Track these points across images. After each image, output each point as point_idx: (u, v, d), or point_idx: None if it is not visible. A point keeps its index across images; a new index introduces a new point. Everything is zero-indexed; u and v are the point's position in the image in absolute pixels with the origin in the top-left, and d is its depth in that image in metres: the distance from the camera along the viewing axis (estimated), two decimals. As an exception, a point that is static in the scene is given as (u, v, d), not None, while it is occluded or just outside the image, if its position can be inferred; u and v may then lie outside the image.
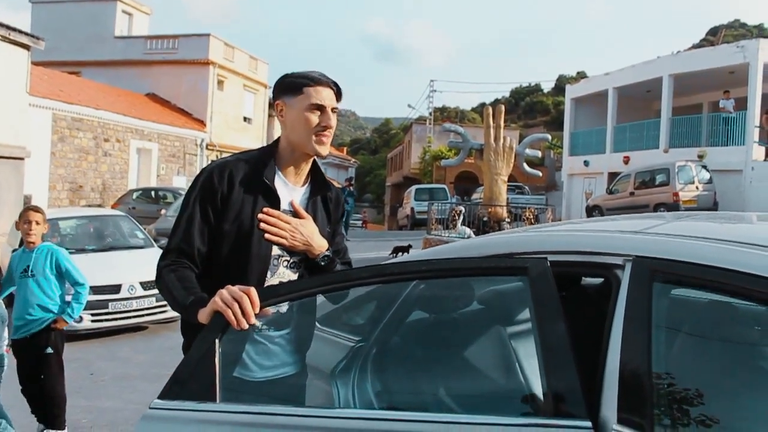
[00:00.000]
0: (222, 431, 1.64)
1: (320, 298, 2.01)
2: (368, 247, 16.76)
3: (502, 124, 14.77)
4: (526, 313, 1.65)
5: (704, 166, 17.48)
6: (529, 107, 74.58)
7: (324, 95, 2.05)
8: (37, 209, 4.54)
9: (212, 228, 2.00)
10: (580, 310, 1.87)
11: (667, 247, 1.57)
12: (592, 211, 19.70)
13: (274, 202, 2.04)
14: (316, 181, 2.19)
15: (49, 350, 4.43)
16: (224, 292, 1.72)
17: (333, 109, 2.07)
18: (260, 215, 2.00)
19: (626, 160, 22.36)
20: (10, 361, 4.41)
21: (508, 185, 15.57)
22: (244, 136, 30.12)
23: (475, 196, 25.88)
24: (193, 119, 27.53)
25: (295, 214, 2.08)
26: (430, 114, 45.64)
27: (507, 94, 76.17)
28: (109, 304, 7.96)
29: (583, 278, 2.41)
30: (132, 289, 8.10)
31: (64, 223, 9.52)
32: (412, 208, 27.78)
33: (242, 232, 1.99)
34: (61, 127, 19.85)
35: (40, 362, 4.43)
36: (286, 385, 2.01)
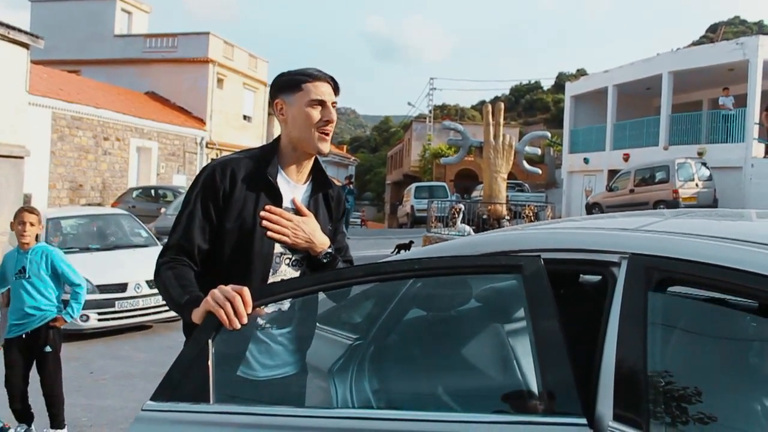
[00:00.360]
0: None
1: (321, 296, 2.01)
2: (368, 245, 16.77)
3: (501, 121, 14.77)
4: (521, 311, 1.65)
5: (704, 164, 17.47)
6: (529, 105, 74.62)
7: (323, 90, 2.05)
8: (31, 210, 4.51)
9: (213, 226, 2.00)
10: (578, 308, 1.87)
11: (663, 245, 1.57)
12: (592, 208, 19.72)
13: (277, 199, 2.04)
14: (318, 179, 2.18)
15: (48, 349, 4.44)
16: (216, 291, 1.71)
17: (333, 104, 2.08)
18: (262, 213, 2.00)
19: (626, 158, 22.36)
20: None
21: (507, 183, 15.57)
22: (244, 134, 30.13)
23: (475, 193, 25.88)
24: (192, 118, 27.54)
25: (297, 211, 2.07)
26: (430, 112, 45.63)
27: (507, 92, 76.31)
28: (116, 302, 7.94)
29: (581, 276, 2.41)
30: (138, 288, 8.10)
31: (68, 222, 9.50)
32: (412, 206, 27.79)
33: (245, 230, 1.99)
34: (61, 125, 19.85)
35: (38, 361, 4.45)
36: (287, 384, 2.01)
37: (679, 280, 1.56)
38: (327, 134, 2.07)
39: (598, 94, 24.65)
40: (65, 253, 8.28)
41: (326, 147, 2.09)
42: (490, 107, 15.17)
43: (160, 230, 13.02)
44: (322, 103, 2.04)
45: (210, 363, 1.67)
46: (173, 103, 27.85)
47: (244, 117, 31.23)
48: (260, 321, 1.97)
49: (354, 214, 27.86)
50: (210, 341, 1.69)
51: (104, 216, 10.36)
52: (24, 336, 4.40)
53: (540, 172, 18.16)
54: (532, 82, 78.62)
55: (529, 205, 15.65)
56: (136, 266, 8.41)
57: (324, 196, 2.19)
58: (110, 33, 28.88)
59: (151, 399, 1.69)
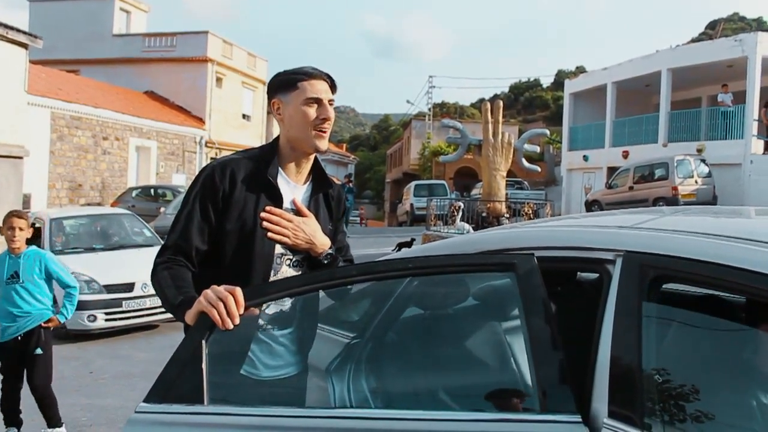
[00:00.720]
0: None
1: (320, 295, 2.01)
2: (368, 244, 16.77)
3: (500, 119, 14.77)
4: (516, 309, 1.65)
5: (703, 160, 17.47)
6: (529, 102, 74.60)
7: (319, 88, 2.04)
8: (20, 215, 4.49)
9: (212, 227, 1.99)
10: (576, 305, 1.88)
11: (657, 242, 1.58)
12: (592, 205, 19.72)
13: (277, 200, 2.03)
14: (318, 178, 2.17)
15: (39, 351, 4.44)
16: (209, 292, 1.71)
17: (329, 102, 2.06)
18: (262, 214, 1.99)
19: (625, 155, 22.37)
20: None
21: (507, 181, 15.57)
22: (243, 133, 30.13)
23: (474, 191, 25.88)
24: (191, 117, 27.53)
25: (298, 212, 2.06)
26: (429, 110, 45.62)
27: (506, 90, 76.11)
28: (123, 302, 7.93)
29: (578, 273, 2.42)
30: (145, 287, 8.04)
31: (71, 222, 9.47)
32: (412, 204, 27.76)
33: (245, 231, 1.98)
34: (60, 125, 19.86)
35: (29, 364, 4.45)
36: (289, 385, 2.00)
37: (673, 278, 1.57)
38: (324, 132, 2.05)
39: (597, 92, 24.64)
40: (69, 253, 8.39)
41: (324, 144, 2.08)
42: (488, 105, 15.17)
43: (160, 230, 12.99)
44: (318, 102, 2.03)
45: (204, 364, 1.65)
46: (172, 102, 27.85)
47: (244, 116, 31.22)
48: (261, 321, 1.97)
49: (353, 213, 27.87)
50: (204, 342, 1.68)
51: (107, 216, 10.33)
52: (18, 338, 4.41)
53: (539, 169, 18.17)
54: (532, 79, 78.60)
55: (528, 203, 15.66)
56: (142, 266, 8.36)
57: (324, 196, 2.18)
58: (109, 32, 28.86)
59: (145, 400, 1.67)
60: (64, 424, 4.56)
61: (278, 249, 2.03)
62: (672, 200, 16.17)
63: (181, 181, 24.12)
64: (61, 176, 20.02)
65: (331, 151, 43.93)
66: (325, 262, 2.05)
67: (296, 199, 2.08)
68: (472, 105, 75.22)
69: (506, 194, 15.53)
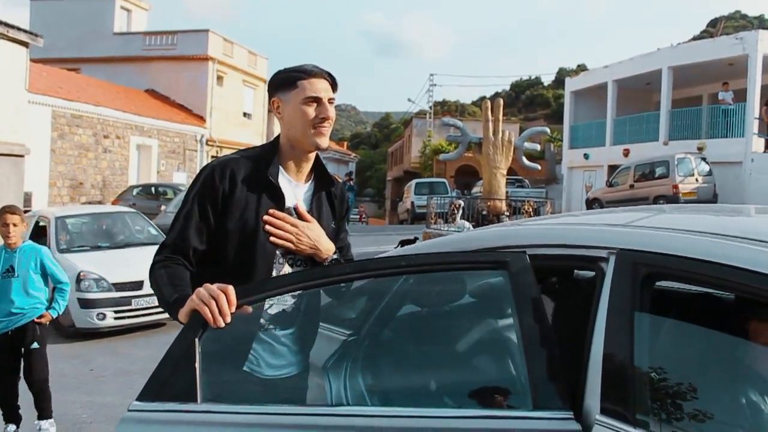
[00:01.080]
0: None
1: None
2: (369, 242, 16.78)
3: (500, 117, 14.77)
4: (510, 307, 1.66)
5: (704, 159, 17.46)
6: (530, 100, 74.57)
7: (319, 87, 2.02)
8: (13, 211, 4.51)
9: (211, 227, 1.98)
10: (573, 302, 1.89)
11: (650, 240, 1.59)
12: (592, 203, 19.72)
13: (279, 199, 2.01)
14: (320, 176, 2.16)
15: (35, 345, 4.50)
16: (201, 290, 1.70)
17: (330, 100, 2.04)
18: (265, 217, 1.97)
19: (626, 153, 22.36)
20: None
21: (507, 179, 15.57)
22: (244, 131, 30.14)
23: (475, 189, 25.87)
24: (192, 115, 27.55)
25: (300, 216, 2.05)
26: (430, 108, 45.61)
27: (507, 88, 76.19)
28: (132, 300, 7.91)
29: (576, 271, 2.43)
30: None
31: (76, 221, 9.46)
32: (413, 203, 27.75)
33: (247, 231, 1.97)
34: (61, 123, 19.88)
35: (26, 359, 4.50)
36: (290, 385, 2.00)
37: (666, 275, 1.58)
38: (324, 130, 2.04)
39: (598, 90, 24.63)
40: (76, 251, 8.39)
41: (324, 141, 2.06)
42: (489, 103, 15.16)
43: (161, 228, 13.02)
44: (317, 100, 2.01)
45: (197, 362, 1.65)
46: (173, 100, 27.87)
47: (244, 114, 31.24)
48: (263, 321, 1.97)
49: (353, 211, 27.85)
50: (197, 340, 1.67)
51: (113, 214, 10.31)
52: (9, 333, 4.44)
53: (539, 167, 18.15)
54: (533, 77, 78.66)
55: (528, 201, 15.65)
56: (149, 263, 8.38)
57: (327, 194, 2.16)
58: (109, 31, 28.88)
59: (138, 399, 1.67)
60: (53, 417, 4.61)
61: (280, 248, 2.02)
62: (672, 198, 16.16)
63: (182, 179, 24.15)
64: (62, 174, 20.04)
65: (332, 149, 43.95)
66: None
67: (299, 200, 2.07)
68: (473, 103, 75.20)
69: (507, 192, 15.53)
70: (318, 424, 1.59)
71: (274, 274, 2.01)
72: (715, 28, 50.28)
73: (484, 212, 14.42)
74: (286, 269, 2.04)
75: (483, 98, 25.44)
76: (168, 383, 1.66)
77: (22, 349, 4.50)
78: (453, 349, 2.02)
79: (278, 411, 1.65)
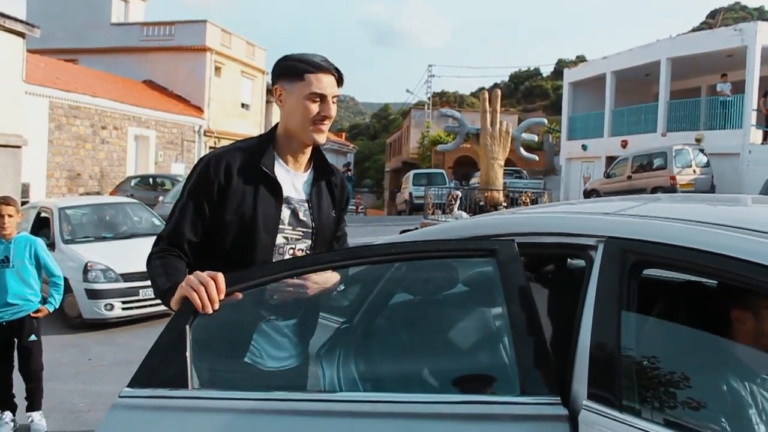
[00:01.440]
0: (194, 418, 1.61)
1: None
2: (367, 232, 16.79)
3: (498, 108, 14.78)
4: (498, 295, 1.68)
5: (702, 150, 17.48)
6: (529, 91, 74.44)
7: (325, 83, 1.98)
8: (8, 202, 4.51)
9: (206, 219, 1.98)
10: (565, 290, 1.91)
11: (639, 228, 1.60)
12: (590, 194, 19.75)
13: (275, 189, 2.01)
14: (319, 166, 2.15)
15: (33, 338, 4.53)
16: (191, 277, 1.72)
17: (333, 98, 2.02)
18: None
19: (624, 144, 22.37)
20: None
21: (505, 170, 15.59)
22: (243, 122, 30.08)
23: (473, 180, 25.90)
24: (190, 106, 27.47)
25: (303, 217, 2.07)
26: (429, 99, 45.54)
27: (506, 79, 76.02)
28: (140, 291, 7.87)
29: (568, 260, 2.45)
30: None
31: (80, 212, 9.43)
32: (410, 193, 27.74)
33: (245, 222, 1.97)
34: (58, 114, 19.83)
35: (23, 351, 4.53)
36: (290, 376, 2.01)
37: (654, 263, 1.59)
38: (323, 127, 2.03)
39: (596, 81, 24.61)
40: (81, 242, 8.37)
41: (322, 138, 2.05)
42: (486, 94, 15.16)
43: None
44: (322, 98, 1.98)
45: (188, 348, 1.65)
46: (171, 91, 27.76)
47: (243, 105, 31.15)
48: (264, 312, 1.99)
49: (350, 201, 27.78)
50: (187, 327, 1.68)
51: (115, 205, 10.27)
52: (4, 324, 4.46)
53: (537, 158, 18.19)
54: (532, 68, 78.43)
55: (526, 192, 15.69)
56: None
57: (327, 183, 2.15)
58: (107, 21, 28.73)
59: (129, 385, 1.67)
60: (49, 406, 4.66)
61: (280, 239, 2.02)
62: (670, 189, 16.18)
63: (180, 170, 24.11)
64: (59, 165, 20.01)
65: (331, 140, 43.82)
66: None
67: (298, 189, 2.07)
68: (472, 94, 75.08)
69: (504, 183, 15.55)
70: (311, 410, 1.60)
71: None
72: (714, 19, 50.16)
73: (482, 203, 14.45)
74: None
75: (482, 89, 25.39)
76: (158, 370, 1.67)
77: (16, 341, 4.53)
78: (444, 336, 2.03)
79: (270, 397, 1.66)
